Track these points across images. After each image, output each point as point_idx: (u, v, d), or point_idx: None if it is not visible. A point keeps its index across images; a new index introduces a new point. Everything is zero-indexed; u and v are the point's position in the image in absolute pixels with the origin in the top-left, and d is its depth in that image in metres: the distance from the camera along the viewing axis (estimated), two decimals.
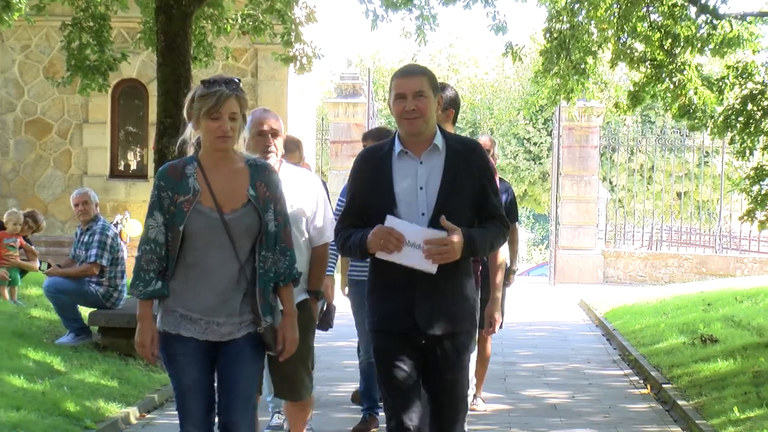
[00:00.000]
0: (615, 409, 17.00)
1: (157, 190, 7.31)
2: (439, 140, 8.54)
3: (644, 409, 17.00)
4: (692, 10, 23.61)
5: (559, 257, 37.23)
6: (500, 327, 13.98)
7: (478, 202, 8.56)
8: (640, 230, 39.85)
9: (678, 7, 23.60)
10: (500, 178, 13.50)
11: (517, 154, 55.09)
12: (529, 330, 22.69)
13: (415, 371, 8.29)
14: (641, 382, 19.03)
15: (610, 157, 39.90)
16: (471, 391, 13.29)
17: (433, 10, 25.22)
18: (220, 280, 7.59)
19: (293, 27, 25.04)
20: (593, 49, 26.58)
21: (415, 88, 8.29)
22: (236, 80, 7.85)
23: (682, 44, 24.31)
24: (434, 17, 25.49)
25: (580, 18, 26.02)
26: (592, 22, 26.04)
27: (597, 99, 34.82)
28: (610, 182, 39.92)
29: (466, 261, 9.16)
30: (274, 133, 9.93)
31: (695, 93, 24.67)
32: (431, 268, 7.71)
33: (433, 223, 8.03)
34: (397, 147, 8.40)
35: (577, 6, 25.73)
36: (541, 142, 51.94)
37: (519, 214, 15.70)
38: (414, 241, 8.18)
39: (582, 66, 26.64)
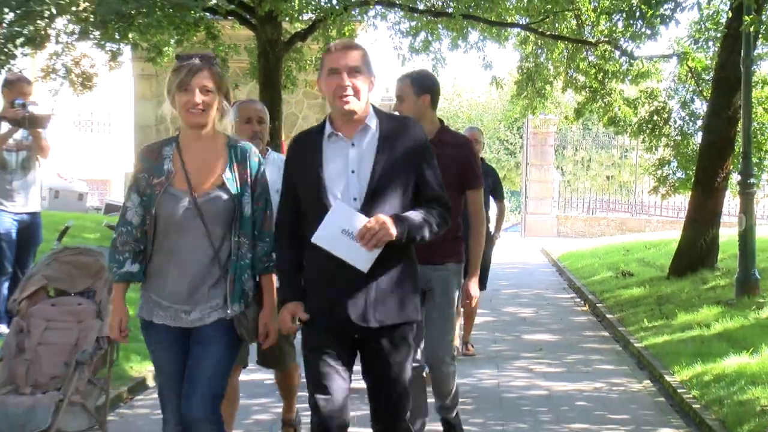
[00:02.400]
0: (564, 321, 17.09)
1: (135, 172, 5.63)
2: (372, 120, 6.14)
3: (584, 320, 17.17)
4: (617, 53, 23.67)
5: (527, 219, 37.21)
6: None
7: (416, 184, 6.07)
8: (581, 201, 39.79)
9: (607, 51, 23.71)
10: (484, 161, 11.97)
11: (499, 151, 55.39)
12: (507, 267, 22.51)
13: (347, 371, 5.97)
14: (582, 302, 19.14)
15: (562, 152, 39.75)
16: (458, 341, 12.05)
17: (443, 54, 25.19)
18: (191, 265, 5.56)
19: None
20: (550, 80, 26.73)
21: (351, 63, 5.86)
22: (212, 55, 5.84)
23: (610, 76, 24.47)
24: (444, 59, 25.37)
25: (542, 59, 26.11)
26: (550, 62, 26.12)
27: (552, 113, 35.10)
28: (561, 169, 39.83)
29: (402, 247, 6.30)
30: (260, 120, 7.90)
31: (619, 109, 25.16)
32: (364, 265, 5.53)
33: (366, 208, 5.79)
34: (328, 129, 6.06)
35: (539, 51, 25.81)
36: (515, 142, 51.62)
37: (503, 192, 13.02)
38: (353, 231, 5.77)
39: (543, 91, 26.86)
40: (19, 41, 17.73)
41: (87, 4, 17.29)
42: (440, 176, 5.84)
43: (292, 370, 8.11)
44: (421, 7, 23.39)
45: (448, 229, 6.57)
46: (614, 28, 22.31)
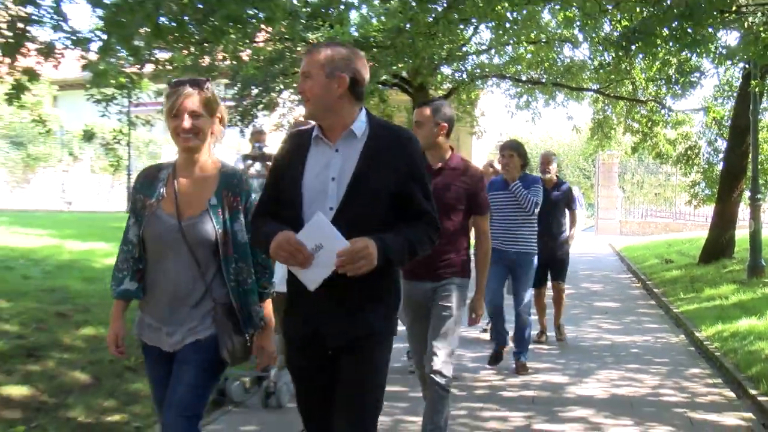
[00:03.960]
0: (623, 293, 16.66)
1: (133, 192, 4.48)
2: (358, 126, 4.26)
3: (637, 293, 16.68)
4: (661, 108, 23.32)
5: (599, 223, 36.52)
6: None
7: (400, 198, 4.18)
8: (637, 210, 39.00)
9: (654, 107, 23.43)
10: (560, 179, 10.73)
11: (579, 176, 54.56)
12: (584, 256, 22.04)
13: (326, 389, 4.26)
14: (636, 280, 18.66)
15: (623, 176, 38.97)
16: (549, 332, 10.91)
17: (539, 110, 25.12)
18: (174, 287, 4.24)
19: (476, 118, 24.84)
20: (614, 126, 26.41)
21: (305, 68, 4.14)
22: (203, 80, 4.47)
23: (656, 124, 24.16)
24: (539, 113, 25.39)
25: (608, 112, 25.80)
26: (613, 114, 25.81)
27: (615, 150, 34.64)
28: (622, 188, 38.98)
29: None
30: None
31: (663, 146, 24.74)
32: (312, 285, 3.84)
33: (339, 218, 3.98)
34: (315, 131, 4.33)
35: (606, 107, 25.49)
36: (590, 170, 50.72)
37: (577, 204, 11.31)
38: (329, 250, 3.90)
39: (609, 134, 26.61)
40: (260, 107, 19.89)
41: None
42: (431, 193, 3.99)
43: None
44: (523, 78, 23.42)
45: (455, 247, 5.71)
46: (659, 91, 22.19)
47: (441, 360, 5.43)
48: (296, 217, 3.76)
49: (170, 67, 12.02)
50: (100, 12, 8.86)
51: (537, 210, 8.75)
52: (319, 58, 3.74)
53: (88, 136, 13.97)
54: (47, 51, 9.51)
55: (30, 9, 9.00)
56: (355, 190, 3.70)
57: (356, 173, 3.72)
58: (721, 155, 22.25)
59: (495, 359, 8.93)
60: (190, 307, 4.08)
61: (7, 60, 9.39)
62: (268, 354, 4.35)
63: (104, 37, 9.04)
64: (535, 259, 8.89)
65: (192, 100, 4.01)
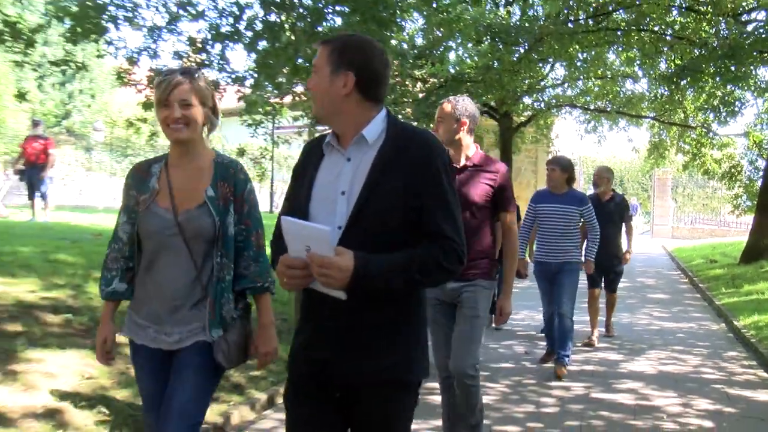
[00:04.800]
0: (673, 287, 16.32)
1: (125, 189, 3.60)
2: (371, 130, 2.81)
3: (684, 287, 16.36)
4: (708, 132, 22.77)
5: (654, 228, 35.83)
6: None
7: (415, 214, 2.72)
8: (687, 218, 38.04)
9: (702, 132, 22.86)
10: (615, 192, 9.46)
11: (637, 190, 53.27)
12: (641, 256, 21.50)
13: None
14: (684, 277, 18.33)
15: (675, 190, 38.11)
16: (598, 332, 9.49)
17: (604, 134, 24.83)
18: (171, 285, 3.40)
19: (551, 140, 24.71)
20: (668, 148, 25.88)
21: (314, 61, 2.83)
22: (194, 68, 3.64)
23: (704, 146, 23.57)
24: (605, 137, 25.14)
25: (663, 136, 25.38)
26: (667, 137, 25.37)
27: (669, 167, 33.84)
28: (675, 200, 38.14)
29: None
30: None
31: (710, 165, 23.94)
32: (339, 291, 2.55)
33: (345, 237, 2.67)
34: (328, 137, 2.96)
35: (661, 131, 25.09)
36: (647, 184, 49.54)
37: (633, 212, 9.63)
38: (320, 251, 2.57)
39: (664, 154, 26.08)
40: None
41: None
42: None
43: None
44: (591, 107, 23.18)
45: (480, 246, 4.67)
46: (706, 118, 21.61)
47: (469, 361, 4.65)
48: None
49: (305, 98, 12.29)
50: (253, 56, 9.43)
51: (598, 231, 7.98)
52: (327, 51, 2.68)
53: (241, 152, 14.47)
54: (214, 87, 9.70)
55: (203, 56, 9.58)
56: (365, 207, 2.58)
57: (366, 187, 2.59)
58: (761, 173, 21.59)
59: (546, 358, 8.12)
60: (189, 307, 3.24)
61: None
62: (266, 354, 3.38)
63: (256, 75, 9.62)
64: (578, 269, 7.83)
65: (182, 89, 3.19)
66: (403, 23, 12.05)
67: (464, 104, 4.76)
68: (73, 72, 11.28)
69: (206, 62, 9.55)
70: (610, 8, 16.93)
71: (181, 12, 9.49)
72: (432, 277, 2.60)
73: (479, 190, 4.66)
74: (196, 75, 3.26)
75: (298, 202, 2.72)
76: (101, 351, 3.35)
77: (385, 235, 2.57)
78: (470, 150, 4.80)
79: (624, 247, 9.55)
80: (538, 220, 7.68)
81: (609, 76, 20.94)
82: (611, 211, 9.18)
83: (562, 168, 7.64)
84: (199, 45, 9.59)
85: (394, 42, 10.59)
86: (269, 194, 28.81)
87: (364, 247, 2.50)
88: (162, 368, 3.30)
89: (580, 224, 8.01)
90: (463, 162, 4.75)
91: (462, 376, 4.64)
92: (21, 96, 12.09)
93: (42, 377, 5.30)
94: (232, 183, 3.29)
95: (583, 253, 8.27)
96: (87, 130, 35.84)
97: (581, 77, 20.56)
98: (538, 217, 7.67)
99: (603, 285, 9.56)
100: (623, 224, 9.45)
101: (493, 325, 7.51)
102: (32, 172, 15.24)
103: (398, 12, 10.26)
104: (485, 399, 6.56)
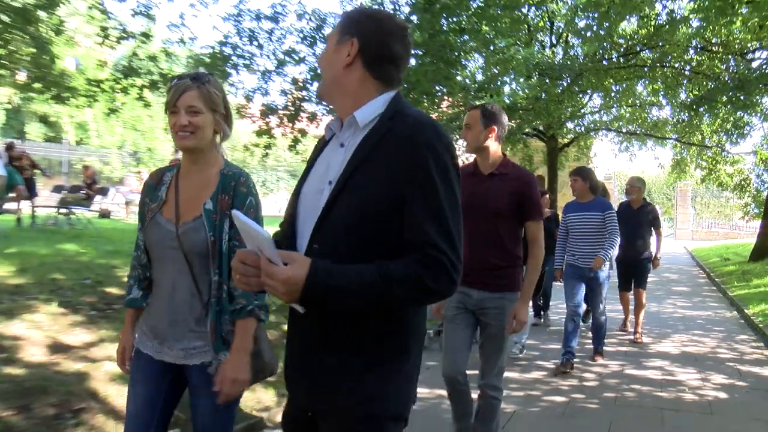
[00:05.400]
0: (692, 281, 15.64)
1: (141, 196, 2.77)
2: (365, 112, 1.80)
3: (702, 281, 15.67)
4: (722, 151, 22.06)
5: (677, 232, 34.83)
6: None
7: (399, 217, 1.67)
8: (705, 223, 36.80)
9: (717, 150, 22.25)
10: (646, 200, 8.51)
11: (662, 199, 51.73)
12: (665, 255, 21.10)
13: None
14: (702, 272, 17.68)
15: (694, 199, 36.94)
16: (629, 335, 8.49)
17: (635, 153, 24.33)
18: (172, 298, 2.54)
19: (590, 158, 24.32)
20: (688, 164, 25.28)
21: (329, 33, 1.95)
22: (205, 73, 2.68)
23: (719, 162, 22.94)
24: (635, 155, 24.56)
25: (684, 154, 24.77)
26: (688, 155, 24.70)
27: (689, 180, 32.84)
28: (694, 208, 36.95)
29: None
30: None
31: (723, 179, 23.22)
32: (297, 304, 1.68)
33: (312, 241, 1.74)
34: (334, 119, 1.94)
35: (683, 150, 24.41)
36: (671, 194, 48.20)
37: (660, 223, 8.46)
38: (270, 255, 1.63)
39: (685, 170, 25.44)
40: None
41: None
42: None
43: None
44: (623, 130, 22.66)
45: (507, 256, 3.82)
46: (720, 139, 21.18)
47: (495, 376, 3.88)
48: (291, 237, 1.87)
49: None
50: None
51: (617, 235, 6.84)
52: (340, 20, 1.94)
53: None
54: (312, 117, 10.21)
55: (304, 93, 9.78)
56: (339, 201, 1.74)
57: (342, 176, 1.76)
58: (767, 185, 21.19)
59: (563, 369, 6.61)
60: (192, 324, 2.51)
61: (290, 124, 10.25)
62: (230, 382, 2.44)
63: None
64: (608, 273, 7.04)
65: (191, 94, 2.51)
66: (466, 63, 12.19)
67: (493, 111, 3.91)
68: None
69: (306, 98, 9.82)
70: (638, 48, 17.05)
71: (287, 59, 9.87)
72: (412, 296, 1.66)
73: (506, 197, 3.84)
74: (207, 80, 2.56)
75: (292, 196, 1.93)
76: (120, 359, 2.72)
77: (362, 239, 1.69)
78: (497, 158, 3.94)
79: (653, 251, 8.45)
80: (569, 229, 7.01)
81: (638, 104, 20.83)
82: (641, 218, 8.38)
83: (583, 178, 6.93)
84: (301, 84, 9.89)
85: (459, 78, 10.72)
86: None
87: (336, 250, 1.69)
88: (159, 376, 2.56)
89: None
90: (489, 170, 3.92)
91: (487, 387, 3.89)
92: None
93: None
94: (231, 196, 2.52)
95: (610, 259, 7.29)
96: None
97: (615, 105, 20.50)
98: (569, 226, 7.00)
99: (633, 285, 8.53)
100: (652, 230, 8.46)
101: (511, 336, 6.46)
102: None
103: (462, 54, 10.43)
104: (536, 374, 6.59)
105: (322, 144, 1.98)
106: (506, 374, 6.23)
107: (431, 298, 1.70)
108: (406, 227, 1.69)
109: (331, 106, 2.05)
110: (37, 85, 10.14)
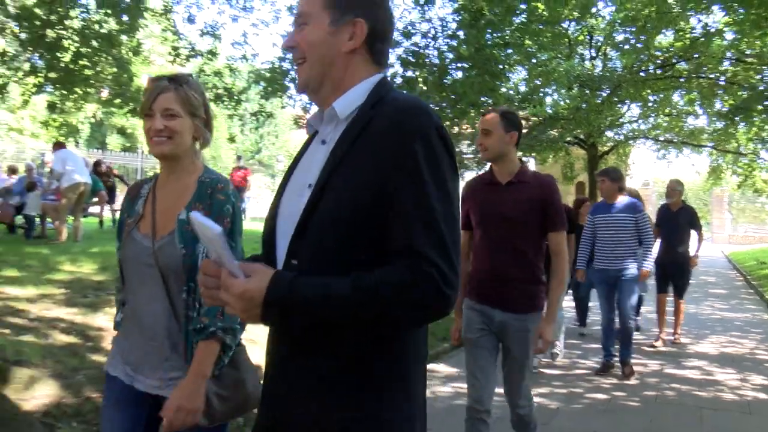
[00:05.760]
0: (730, 284, 15.15)
1: (120, 212, 2.23)
2: (346, 101, 1.39)
3: (740, 284, 15.20)
4: (757, 158, 21.37)
5: (713, 235, 33.92)
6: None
7: (382, 220, 1.27)
8: (741, 227, 35.72)
9: (753, 158, 21.59)
10: (685, 203, 8.05)
11: (699, 205, 50.25)
12: (703, 259, 20.56)
13: None
14: (739, 276, 17.15)
15: (730, 204, 35.88)
16: (668, 335, 7.88)
17: (670, 160, 23.80)
18: (145, 322, 2.01)
19: (629, 165, 23.96)
20: (724, 170, 24.67)
21: (299, 8, 1.44)
22: (185, 74, 2.17)
23: (754, 169, 22.15)
24: (671, 162, 23.90)
25: (720, 161, 24.10)
26: (723, 162, 23.97)
27: (725, 186, 31.88)
28: (731, 212, 35.93)
29: (348, 332, 1.30)
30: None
31: (759, 185, 22.48)
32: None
33: (292, 251, 1.34)
34: (314, 113, 1.49)
35: (719, 157, 23.74)
36: (708, 200, 46.84)
37: (700, 224, 8.08)
38: (228, 265, 1.27)
39: (721, 176, 24.92)
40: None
41: None
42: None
43: None
44: (661, 138, 22.16)
45: (530, 272, 3.28)
46: (756, 147, 20.59)
47: (522, 398, 3.36)
48: (269, 247, 1.48)
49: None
50: None
51: (651, 240, 6.39)
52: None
53: None
54: None
55: None
56: (317, 206, 1.36)
57: (320, 181, 1.38)
58: None
59: (603, 369, 6.36)
60: (168, 351, 2.05)
61: None
62: (180, 411, 1.93)
63: None
64: (636, 274, 6.25)
65: (167, 96, 2.08)
66: (510, 75, 12.21)
67: (514, 115, 3.38)
68: (264, 119, 11.98)
69: None
70: (674, 60, 16.81)
71: None
72: (398, 315, 1.28)
73: (526, 207, 3.28)
74: (185, 82, 2.15)
75: (271, 207, 1.52)
76: None
77: (343, 249, 1.32)
78: (516, 165, 3.38)
79: (692, 253, 7.96)
80: (596, 230, 6.42)
81: (675, 113, 20.45)
82: (680, 220, 7.86)
83: (611, 178, 6.32)
84: None
85: (503, 89, 10.77)
86: None
87: (318, 266, 1.33)
88: (131, 401, 2.11)
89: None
90: (507, 178, 3.36)
91: (516, 407, 3.39)
92: (231, 139, 13.01)
93: None
94: (207, 204, 2.07)
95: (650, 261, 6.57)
96: (273, 161, 38.18)
97: (652, 115, 20.15)
98: (596, 227, 6.41)
99: (672, 290, 7.97)
100: (692, 232, 7.98)
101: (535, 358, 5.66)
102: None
103: (506, 66, 10.47)
104: (578, 371, 6.48)
105: (307, 142, 1.56)
106: (549, 371, 6.31)
107: (419, 318, 1.32)
108: (391, 232, 1.30)
109: (312, 100, 1.53)
110: (117, 101, 10.58)
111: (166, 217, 2.09)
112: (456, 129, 11.87)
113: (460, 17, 9.72)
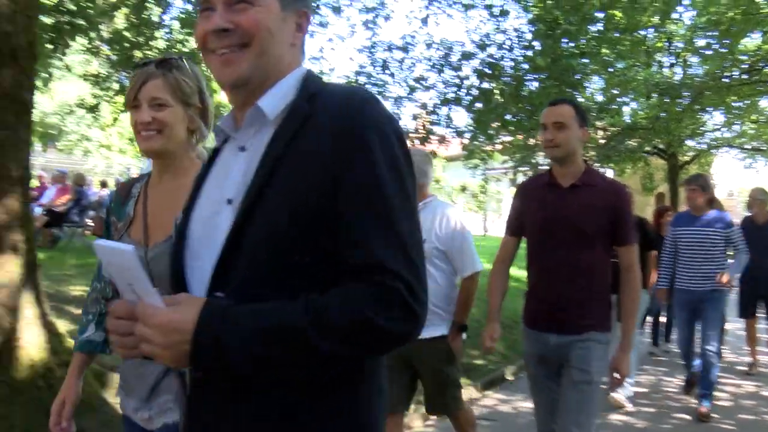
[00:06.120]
0: None
1: (106, 214, 1.90)
2: (273, 99, 1.12)
3: None
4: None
5: None
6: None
7: (332, 232, 1.01)
8: None
9: None
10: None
11: None
12: None
13: None
14: None
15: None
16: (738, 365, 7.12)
17: (760, 168, 22.75)
18: None
19: (711, 175, 23.14)
20: None
21: None
22: (174, 58, 1.77)
23: None
24: (759, 171, 22.85)
25: None
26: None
27: None
28: None
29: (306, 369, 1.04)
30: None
31: None
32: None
33: (217, 279, 1.05)
34: (226, 116, 1.20)
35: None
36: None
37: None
38: (143, 293, 1.02)
39: None
40: None
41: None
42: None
43: (460, 416, 3.49)
44: (747, 146, 21.40)
45: (594, 289, 2.81)
46: None
47: (576, 427, 2.72)
48: (177, 274, 1.19)
49: (509, 146, 12.98)
50: (471, 115, 9.77)
51: (746, 254, 5.72)
52: None
53: (463, 188, 14.98)
54: (441, 140, 10.52)
55: (433, 116, 10.03)
56: (248, 225, 1.08)
57: (250, 190, 1.10)
58: None
59: (690, 386, 5.96)
60: (159, 374, 1.78)
61: (421, 146, 10.66)
62: None
63: (473, 129, 9.98)
64: (724, 297, 5.60)
65: (154, 83, 1.78)
66: (587, 85, 12.07)
67: (584, 111, 2.95)
68: None
69: (435, 121, 10.06)
70: (761, 64, 15.96)
71: (417, 85, 10.17)
72: (357, 342, 1.04)
73: (592, 215, 2.80)
74: (176, 66, 1.84)
75: (175, 236, 1.25)
76: (55, 416, 1.89)
77: (282, 273, 1.08)
78: (581, 166, 2.91)
79: None
80: (678, 245, 5.63)
81: (763, 120, 19.44)
82: (767, 235, 6.72)
83: (703, 188, 5.50)
84: (431, 109, 10.10)
85: (581, 99, 10.70)
86: (483, 220, 29.17)
87: (253, 297, 1.06)
88: None
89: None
90: (571, 180, 2.88)
91: None
92: None
93: None
94: None
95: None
96: None
97: (737, 122, 19.27)
98: (678, 241, 5.61)
99: (764, 310, 7.13)
100: None
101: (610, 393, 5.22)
102: None
103: (583, 76, 10.42)
104: (666, 387, 6.21)
105: (216, 150, 1.30)
106: (635, 389, 5.88)
107: (383, 344, 1.08)
108: (344, 244, 1.07)
109: (235, 98, 1.21)
110: None
111: (160, 221, 1.81)
112: (532, 141, 11.73)
113: (535, 28, 9.71)
